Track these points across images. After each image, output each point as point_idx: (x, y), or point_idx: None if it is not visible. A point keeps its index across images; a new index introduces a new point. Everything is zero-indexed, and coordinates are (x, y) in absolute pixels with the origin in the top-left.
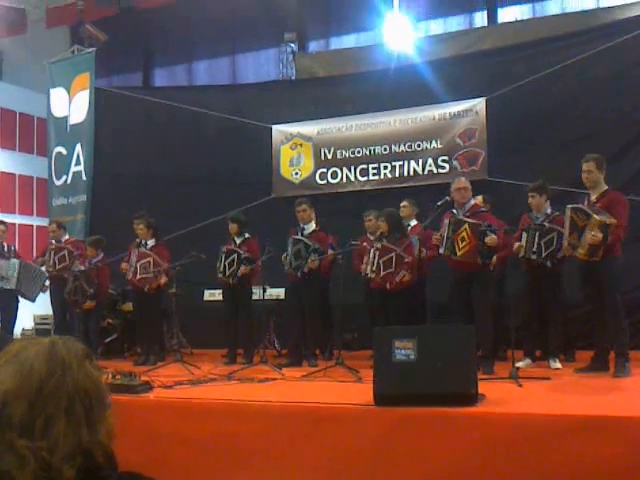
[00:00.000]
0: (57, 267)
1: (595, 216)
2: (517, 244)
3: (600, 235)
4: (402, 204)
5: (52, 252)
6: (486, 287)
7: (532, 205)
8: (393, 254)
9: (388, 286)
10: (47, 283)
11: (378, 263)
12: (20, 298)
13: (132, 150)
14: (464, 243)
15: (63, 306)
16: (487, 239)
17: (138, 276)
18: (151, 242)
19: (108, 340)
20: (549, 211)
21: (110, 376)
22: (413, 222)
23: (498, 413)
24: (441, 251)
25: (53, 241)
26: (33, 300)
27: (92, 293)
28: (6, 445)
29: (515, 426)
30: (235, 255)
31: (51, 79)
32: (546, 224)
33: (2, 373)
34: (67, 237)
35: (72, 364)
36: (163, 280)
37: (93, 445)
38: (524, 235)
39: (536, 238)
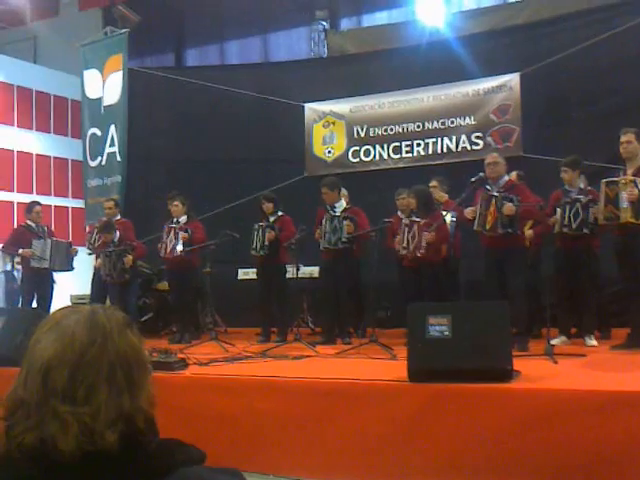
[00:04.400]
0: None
1: (623, 176)
2: (553, 218)
3: (636, 190)
4: (431, 184)
5: (97, 231)
6: (519, 263)
7: (564, 180)
8: (415, 226)
9: (419, 254)
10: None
11: (407, 239)
12: (56, 278)
13: (165, 130)
14: (490, 218)
15: (103, 287)
16: (504, 208)
17: (168, 250)
18: (183, 219)
19: (144, 319)
20: (582, 186)
21: (146, 353)
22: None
23: (533, 389)
24: (475, 227)
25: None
26: (70, 269)
27: (124, 267)
28: (49, 411)
29: (550, 402)
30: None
31: (84, 61)
32: (581, 197)
33: (44, 340)
34: (118, 217)
35: (113, 332)
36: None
37: (135, 411)
38: (558, 211)
39: (566, 212)
